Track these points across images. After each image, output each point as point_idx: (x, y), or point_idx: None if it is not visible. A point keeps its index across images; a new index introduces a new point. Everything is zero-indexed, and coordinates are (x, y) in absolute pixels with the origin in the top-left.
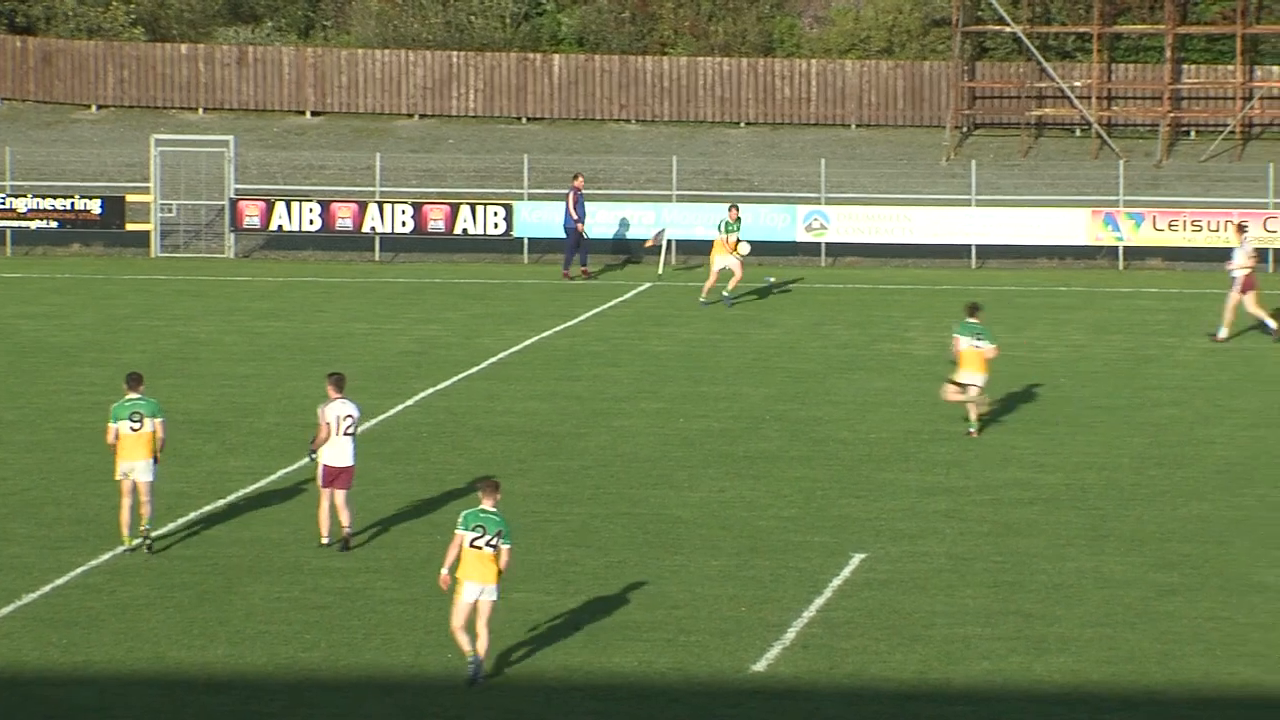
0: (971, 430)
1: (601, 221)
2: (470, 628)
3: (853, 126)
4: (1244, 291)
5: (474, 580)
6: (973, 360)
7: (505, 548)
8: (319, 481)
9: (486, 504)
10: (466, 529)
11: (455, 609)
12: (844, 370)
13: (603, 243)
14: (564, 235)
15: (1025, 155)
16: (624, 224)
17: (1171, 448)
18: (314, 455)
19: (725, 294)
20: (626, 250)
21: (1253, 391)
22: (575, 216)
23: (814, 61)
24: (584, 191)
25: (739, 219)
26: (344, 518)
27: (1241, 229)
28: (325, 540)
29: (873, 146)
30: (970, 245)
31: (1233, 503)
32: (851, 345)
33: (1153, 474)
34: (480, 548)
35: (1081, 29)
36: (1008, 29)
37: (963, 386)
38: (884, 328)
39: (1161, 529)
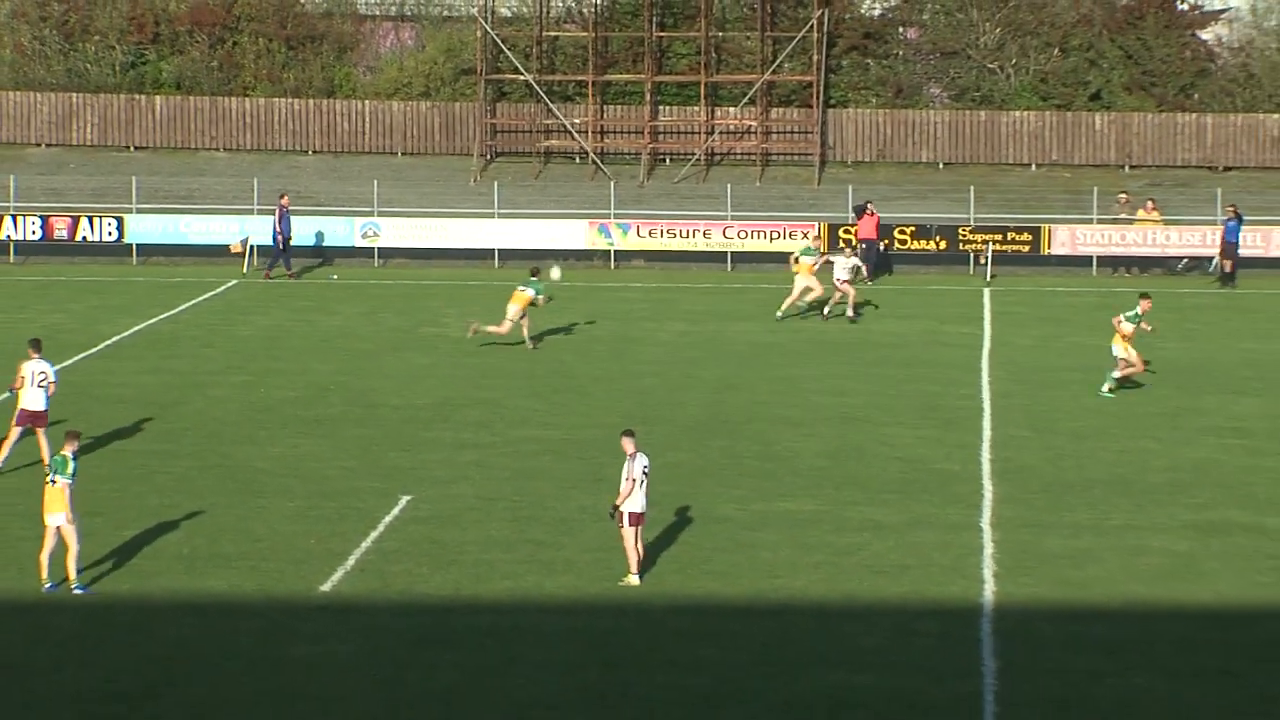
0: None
1: (197, 230)
2: (60, 554)
3: (399, 155)
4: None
5: (51, 512)
6: (520, 299)
7: (64, 482)
8: (14, 421)
9: (66, 450)
10: (52, 472)
11: (44, 540)
12: (393, 349)
13: (195, 248)
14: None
15: (537, 177)
16: (240, 232)
17: (652, 409)
18: (13, 391)
19: (825, 310)
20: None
21: (715, 364)
22: (281, 229)
23: (367, 102)
24: (290, 208)
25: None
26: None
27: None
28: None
29: (415, 170)
30: (494, 249)
31: (699, 453)
32: (399, 329)
33: (639, 429)
34: (53, 484)
35: (580, 77)
36: (521, 77)
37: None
38: (425, 315)
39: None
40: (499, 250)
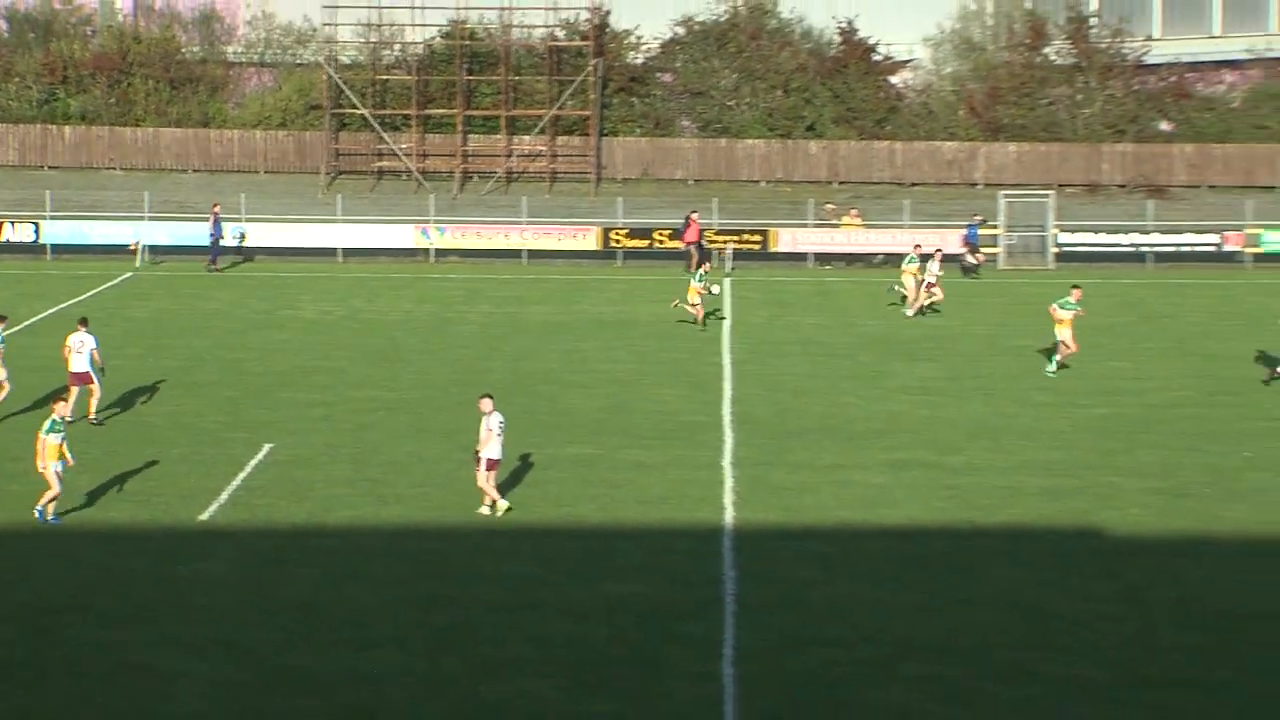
0: None
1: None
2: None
3: (261, 173)
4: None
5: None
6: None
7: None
8: (69, 383)
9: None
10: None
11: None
12: (257, 328)
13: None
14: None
15: (371, 190)
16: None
17: (465, 375)
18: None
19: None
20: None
21: (515, 339)
22: (214, 232)
23: (236, 131)
24: (221, 215)
25: (925, 257)
26: None
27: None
28: None
29: (275, 185)
30: (338, 248)
31: (502, 409)
32: (263, 311)
33: (454, 391)
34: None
35: (405, 111)
36: (358, 111)
37: None
38: (283, 301)
39: (459, 426)
40: (342, 249)
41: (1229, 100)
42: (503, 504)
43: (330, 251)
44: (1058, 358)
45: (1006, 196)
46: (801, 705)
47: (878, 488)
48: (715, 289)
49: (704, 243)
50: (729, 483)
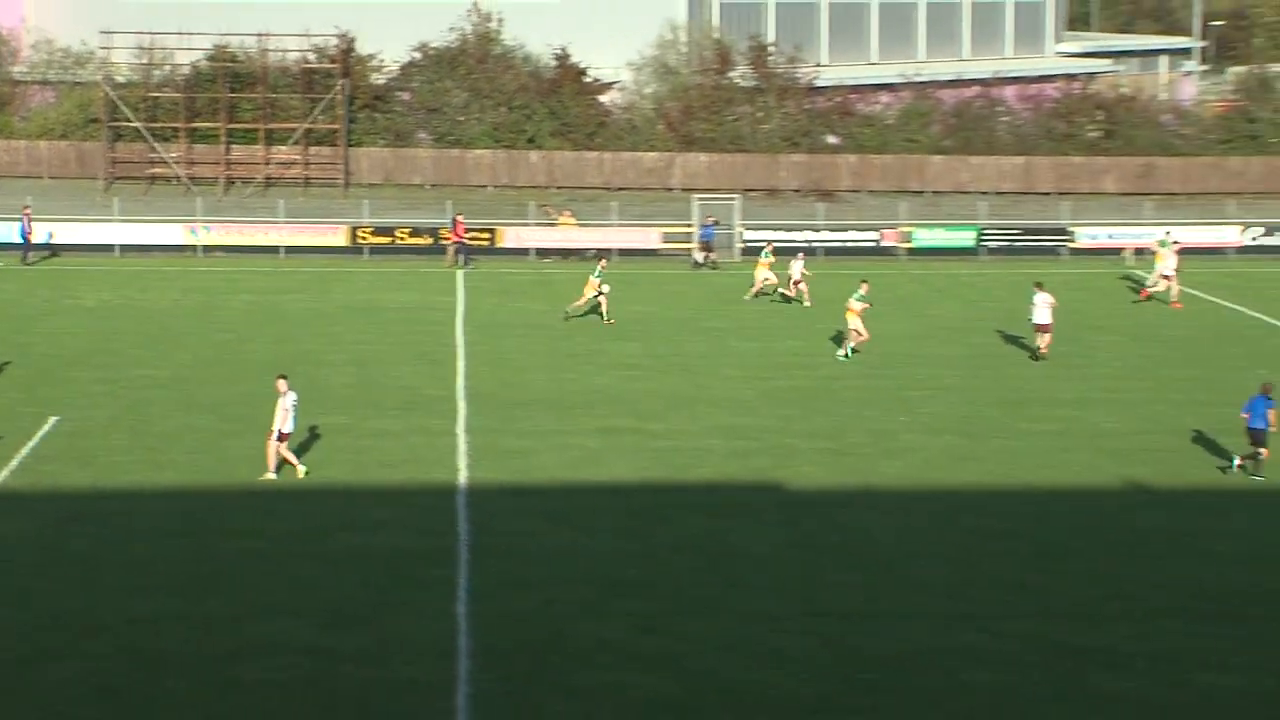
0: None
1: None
2: None
3: (46, 178)
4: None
5: None
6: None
7: None
8: None
9: None
10: None
11: None
12: (45, 315)
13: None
14: (21, 240)
15: (146, 194)
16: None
17: (229, 355)
18: None
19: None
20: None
21: (274, 324)
22: (28, 230)
23: (23, 141)
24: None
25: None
26: None
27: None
28: None
29: (59, 189)
30: (115, 244)
31: (264, 384)
32: (50, 300)
33: (220, 369)
34: None
35: (175, 124)
36: (133, 124)
37: None
38: (66, 291)
39: (225, 399)
40: (119, 245)
41: (885, 118)
42: (301, 468)
43: (109, 248)
44: (851, 344)
45: (699, 200)
46: (525, 637)
47: (591, 450)
48: (606, 287)
49: (466, 240)
50: (462, 447)
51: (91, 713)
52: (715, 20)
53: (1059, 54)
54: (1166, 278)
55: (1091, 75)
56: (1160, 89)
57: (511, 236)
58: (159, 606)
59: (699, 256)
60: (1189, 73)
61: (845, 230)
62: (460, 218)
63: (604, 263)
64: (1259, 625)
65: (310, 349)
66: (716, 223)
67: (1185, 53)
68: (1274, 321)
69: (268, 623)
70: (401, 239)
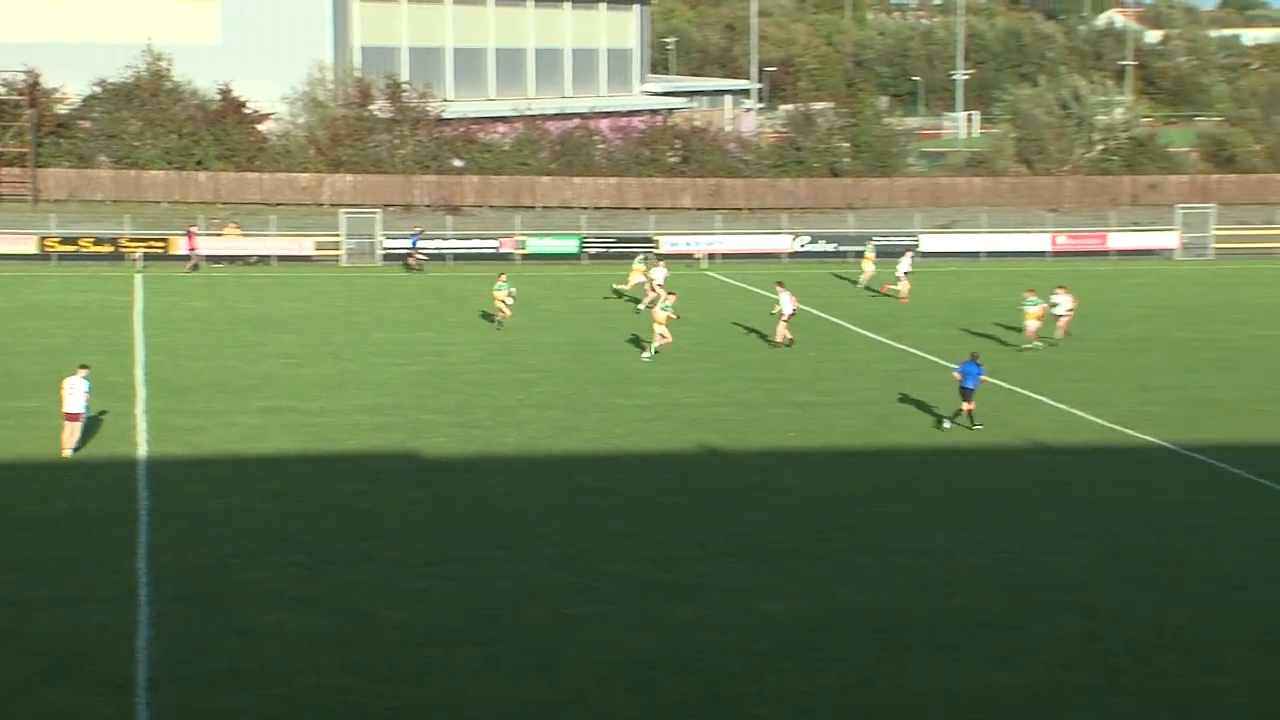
0: None
1: None
2: None
3: None
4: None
5: None
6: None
7: None
8: None
9: None
10: None
11: None
12: None
13: None
14: None
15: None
16: None
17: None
18: None
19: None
20: None
21: (103, 325)
22: None
23: None
24: None
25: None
26: None
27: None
28: None
29: None
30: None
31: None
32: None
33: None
34: None
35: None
36: None
37: None
38: None
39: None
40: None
41: (502, 144)
42: (69, 452)
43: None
44: (655, 345)
45: (346, 214)
46: (199, 586)
47: (256, 427)
48: (511, 298)
49: (198, 248)
50: (142, 426)
51: None
52: (357, 61)
53: (644, 92)
54: (899, 278)
55: (670, 110)
56: (726, 122)
57: (183, 245)
58: None
59: (411, 261)
60: (749, 109)
61: (470, 239)
62: (194, 229)
63: (503, 275)
64: (806, 561)
65: (4, 342)
66: (421, 232)
67: (745, 93)
68: (817, 312)
69: None
70: (85, 247)
